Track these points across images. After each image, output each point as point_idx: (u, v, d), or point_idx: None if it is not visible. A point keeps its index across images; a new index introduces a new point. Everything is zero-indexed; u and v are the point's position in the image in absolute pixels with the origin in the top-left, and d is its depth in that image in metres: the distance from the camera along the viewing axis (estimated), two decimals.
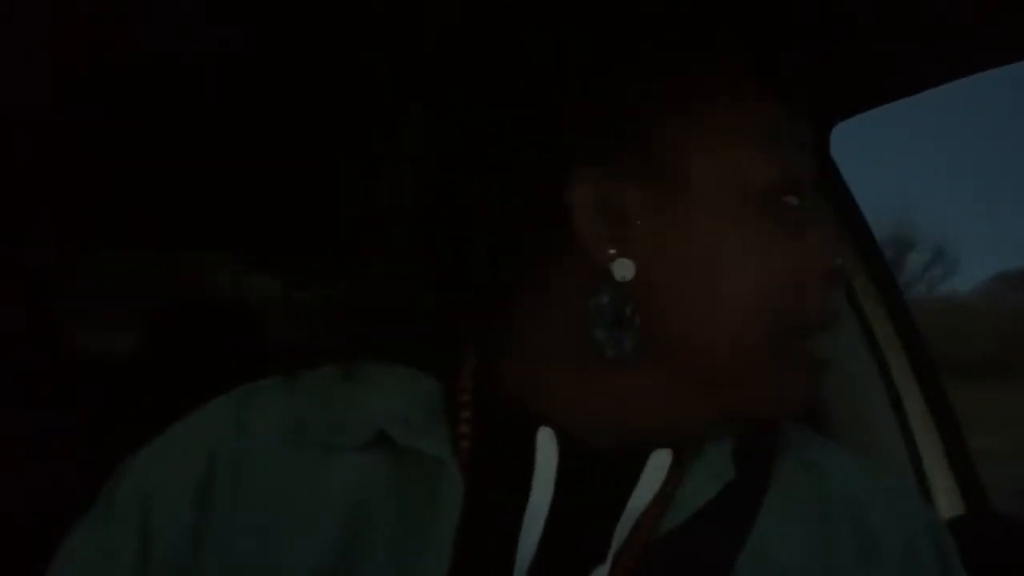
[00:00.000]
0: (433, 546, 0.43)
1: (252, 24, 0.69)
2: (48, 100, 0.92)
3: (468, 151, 0.47)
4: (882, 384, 0.91)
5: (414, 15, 0.58)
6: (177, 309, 1.76)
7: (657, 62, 0.46)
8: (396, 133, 0.49)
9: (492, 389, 0.49)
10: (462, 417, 0.48)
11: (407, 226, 0.49)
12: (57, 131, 1.03)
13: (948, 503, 0.88)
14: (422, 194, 0.48)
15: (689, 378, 0.46)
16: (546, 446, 0.46)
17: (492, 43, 0.48)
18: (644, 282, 0.44)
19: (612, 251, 0.44)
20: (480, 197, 0.47)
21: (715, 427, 0.48)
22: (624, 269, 0.44)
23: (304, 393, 0.49)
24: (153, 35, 0.72)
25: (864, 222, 0.95)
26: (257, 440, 0.47)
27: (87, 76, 0.84)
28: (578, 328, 0.45)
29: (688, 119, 0.45)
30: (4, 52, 0.76)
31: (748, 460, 0.49)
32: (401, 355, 0.50)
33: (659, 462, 0.47)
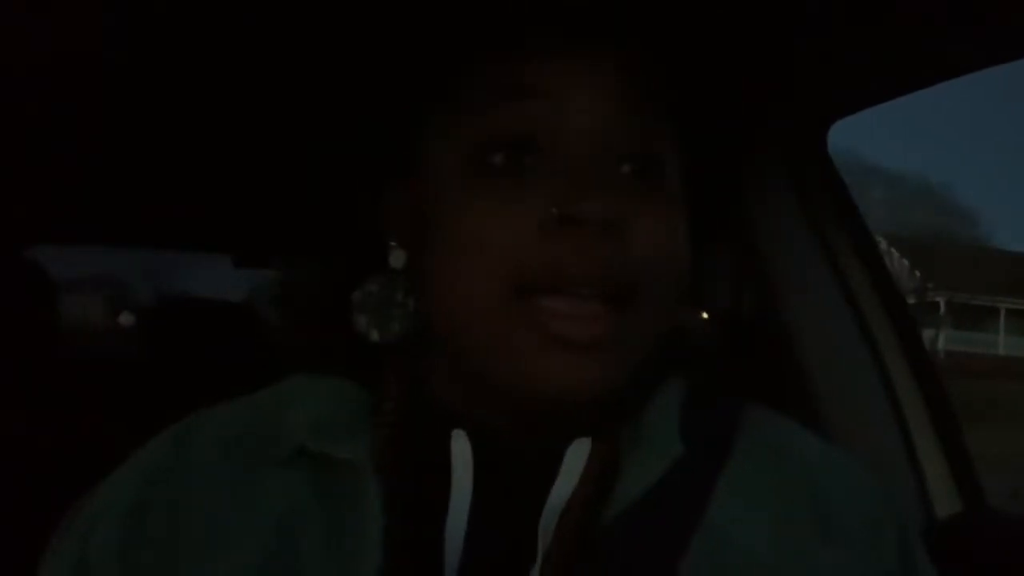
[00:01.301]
0: (361, 553, 0.43)
1: (251, 24, 0.69)
2: (48, 100, 0.92)
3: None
4: (880, 382, 0.91)
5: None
6: (176, 309, 1.76)
7: (401, 68, 0.49)
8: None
9: (416, 392, 0.49)
10: (384, 421, 0.48)
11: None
12: (57, 131, 1.03)
13: (945, 501, 0.89)
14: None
15: (463, 359, 0.46)
16: (461, 447, 0.47)
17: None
18: (413, 268, 0.48)
19: (392, 243, 0.49)
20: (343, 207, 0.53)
21: (616, 416, 0.47)
22: (396, 259, 0.48)
23: (240, 413, 0.50)
24: (153, 35, 0.72)
25: (861, 220, 0.95)
26: (193, 460, 0.48)
27: (87, 76, 0.84)
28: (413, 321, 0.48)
29: (419, 103, 0.48)
30: (4, 52, 0.76)
31: (699, 436, 0.48)
32: (334, 364, 0.51)
33: (577, 452, 0.47)
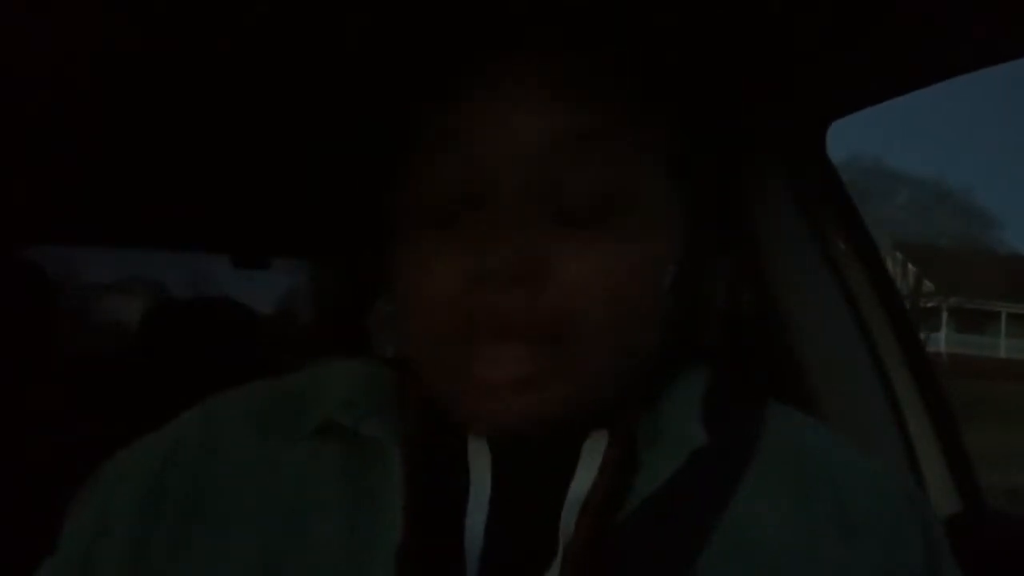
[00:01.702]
0: (380, 529, 0.44)
1: (249, 25, 0.69)
2: (48, 100, 0.92)
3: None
4: (879, 383, 0.91)
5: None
6: (176, 309, 1.76)
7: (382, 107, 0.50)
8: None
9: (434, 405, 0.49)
10: (411, 405, 0.49)
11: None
12: (57, 131, 1.03)
13: (945, 501, 0.89)
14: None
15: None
16: (478, 449, 0.47)
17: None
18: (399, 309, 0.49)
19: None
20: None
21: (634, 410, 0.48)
22: (387, 304, 0.49)
23: (268, 390, 0.52)
24: (152, 35, 0.72)
25: (860, 220, 0.95)
26: (219, 434, 0.49)
27: (86, 75, 0.84)
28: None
29: (394, 154, 0.49)
30: (4, 52, 0.76)
31: (723, 430, 0.48)
32: (361, 347, 0.53)
33: (594, 446, 0.47)
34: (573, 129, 0.45)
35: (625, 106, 0.46)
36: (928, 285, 16.94)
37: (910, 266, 16.51)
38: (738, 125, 0.91)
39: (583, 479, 0.46)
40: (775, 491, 0.47)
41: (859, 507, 0.48)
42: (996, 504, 0.95)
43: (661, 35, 0.52)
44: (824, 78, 0.79)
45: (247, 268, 2.02)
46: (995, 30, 0.66)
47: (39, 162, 1.15)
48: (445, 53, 0.47)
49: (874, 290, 0.93)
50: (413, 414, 0.49)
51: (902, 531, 0.48)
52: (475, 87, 0.45)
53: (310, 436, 0.48)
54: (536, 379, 0.43)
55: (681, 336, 0.50)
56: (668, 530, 0.45)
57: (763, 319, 0.95)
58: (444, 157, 0.45)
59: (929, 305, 16.94)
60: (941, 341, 16.80)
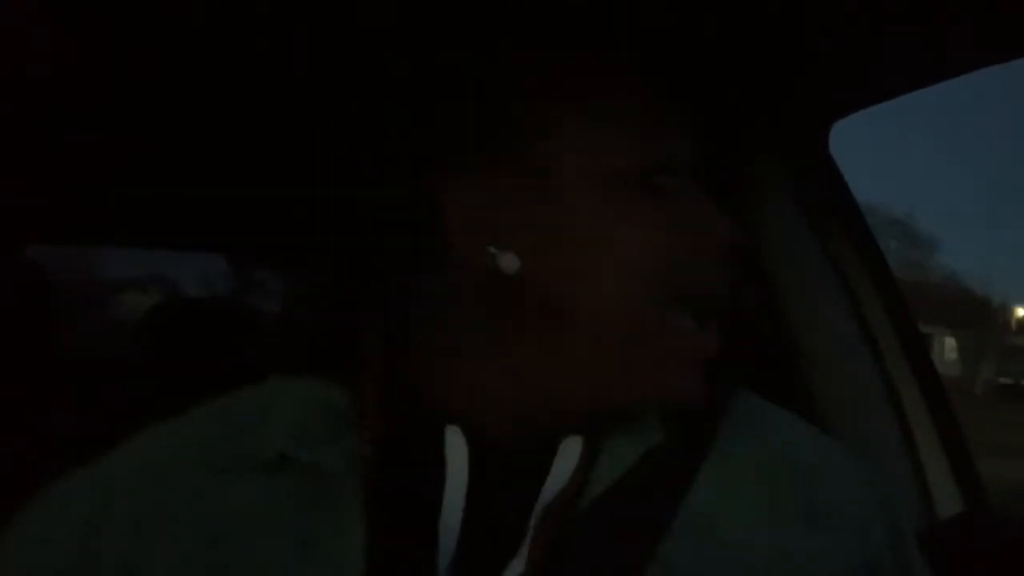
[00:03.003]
0: (340, 561, 0.43)
1: (250, 27, 0.69)
2: (48, 100, 0.92)
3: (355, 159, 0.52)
4: (881, 383, 0.91)
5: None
6: (176, 309, 1.76)
7: (518, 61, 0.49)
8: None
9: (399, 390, 0.49)
10: (367, 423, 0.48)
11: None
12: (57, 131, 1.03)
13: (947, 502, 0.88)
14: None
15: (575, 359, 0.47)
16: (455, 444, 0.47)
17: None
18: (530, 271, 0.46)
19: (492, 249, 0.46)
20: (369, 199, 0.51)
21: (611, 413, 0.48)
22: (510, 263, 0.46)
23: (211, 419, 0.50)
24: (151, 36, 0.72)
25: (863, 221, 0.95)
26: (161, 468, 0.47)
27: (87, 75, 0.84)
28: (471, 323, 0.48)
29: (549, 112, 0.48)
30: (4, 52, 0.76)
31: (679, 423, 0.49)
32: (313, 364, 0.51)
33: (570, 450, 0.48)
34: (693, 126, 0.51)
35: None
36: None
37: None
38: (733, 126, 0.91)
39: (556, 481, 0.47)
40: (739, 480, 0.48)
41: (826, 499, 0.48)
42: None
43: (671, 39, 0.54)
44: (826, 78, 0.79)
45: (248, 268, 2.02)
46: (995, 30, 0.66)
47: (39, 162, 1.15)
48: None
49: (876, 290, 0.93)
50: (369, 429, 0.48)
51: (869, 523, 0.49)
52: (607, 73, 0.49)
53: (261, 468, 0.46)
54: (710, 357, 0.47)
55: None
56: (625, 523, 0.45)
57: (764, 319, 0.95)
58: (643, 129, 0.48)
59: None
60: None
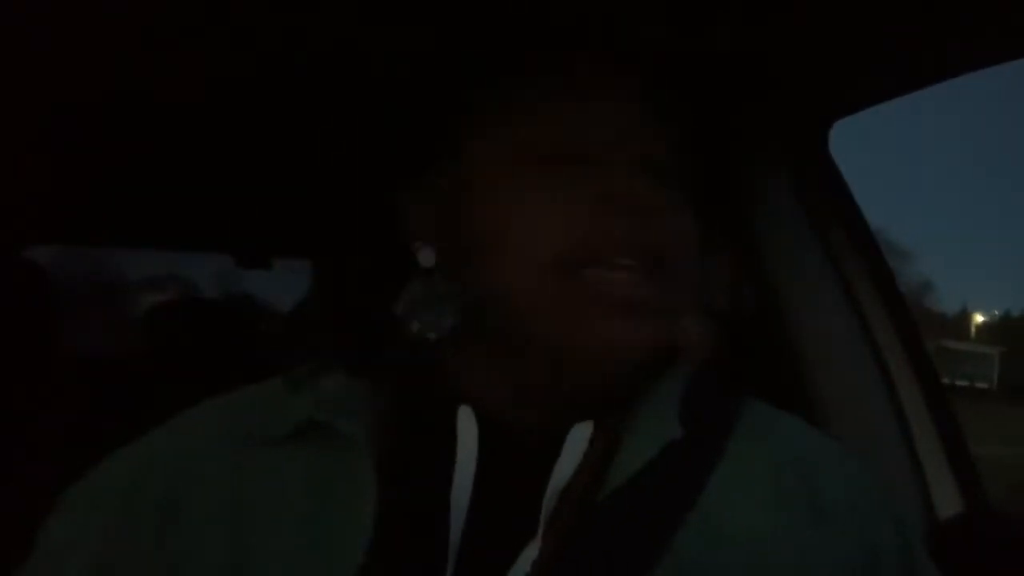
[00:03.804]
0: (349, 527, 0.45)
1: (251, 30, 0.69)
2: (48, 100, 0.92)
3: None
4: (881, 383, 0.91)
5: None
6: (176, 309, 1.76)
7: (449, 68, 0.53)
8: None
9: (414, 372, 0.52)
10: (386, 399, 0.51)
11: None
12: (57, 131, 1.03)
13: (947, 501, 0.88)
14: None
15: (514, 337, 0.48)
16: (466, 424, 0.49)
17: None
18: (448, 261, 0.50)
19: (417, 243, 0.51)
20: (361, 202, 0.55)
21: (595, 391, 0.49)
22: (426, 258, 0.51)
23: (241, 398, 0.53)
24: (152, 37, 0.72)
25: (863, 221, 0.95)
26: (187, 447, 0.50)
27: (87, 75, 0.84)
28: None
29: (467, 109, 0.51)
30: (4, 52, 0.76)
31: (698, 422, 0.50)
32: (334, 345, 0.54)
33: (579, 435, 0.49)
34: (645, 107, 0.51)
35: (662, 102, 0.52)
36: None
37: None
38: (733, 126, 0.91)
39: (567, 464, 0.48)
40: (749, 479, 0.50)
41: (830, 493, 0.50)
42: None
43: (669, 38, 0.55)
44: (826, 78, 0.79)
45: (250, 268, 2.02)
46: (995, 30, 0.66)
47: (42, 162, 1.15)
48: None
49: (876, 290, 0.93)
50: (387, 404, 0.50)
51: (872, 516, 0.51)
52: (576, 61, 0.51)
53: (285, 439, 0.49)
54: (649, 304, 0.47)
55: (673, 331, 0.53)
56: (642, 515, 0.47)
57: (764, 319, 0.95)
58: (559, 107, 0.50)
59: None
60: None
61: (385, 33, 0.63)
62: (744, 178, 0.94)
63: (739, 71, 0.75)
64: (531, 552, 0.46)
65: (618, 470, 0.48)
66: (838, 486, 0.51)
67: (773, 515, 0.49)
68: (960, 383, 20.91)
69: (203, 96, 0.90)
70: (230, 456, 0.49)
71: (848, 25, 0.66)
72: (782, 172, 0.93)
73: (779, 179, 0.93)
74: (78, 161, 1.17)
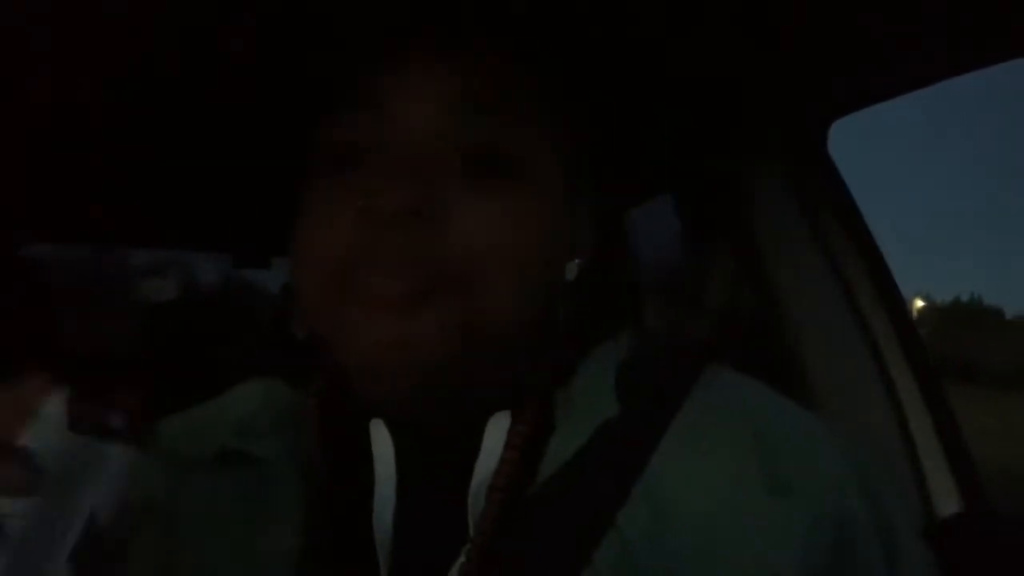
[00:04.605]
0: (275, 553, 0.44)
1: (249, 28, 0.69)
2: (48, 100, 0.92)
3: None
4: (880, 383, 0.91)
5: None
6: (176, 308, 1.76)
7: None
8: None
9: (336, 387, 0.50)
10: (310, 418, 0.50)
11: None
12: (57, 131, 1.03)
13: (946, 501, 0.89)
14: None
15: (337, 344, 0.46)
16: (380, 436, 0.47)
17: None
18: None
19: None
20: None
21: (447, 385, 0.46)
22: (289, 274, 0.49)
23: (179, 420, 0.52)
24: (152, 37, 0.72)
25: (861, 220, 0.95)
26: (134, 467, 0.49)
27: (87, 75, 0.84)
28: None
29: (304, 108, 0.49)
30: (4, 52, 0.76)
31: (641, 395, 0.48)
32: (274, 367, 0.53)
33: (497, 428, 0.47)
34: (471, 88, 0.46)
35: (523, 80, 0.47)
36: None
37: None
38: (732, 125, 0.91)
39: (488, 459, 0.46)
40: (700, 448, 0.46)
41: (791, 464, 0.46)
42: None
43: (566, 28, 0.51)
44: (825, 78, 0.79)
45: (248, 268, 2.02)
46: (995, 30, 0.66)
47: (38, 162, 1.15)
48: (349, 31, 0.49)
49: (875, 290, 0.93)
50: (309, 423, 0.49)
51: (840, 489, 0.46)
52: (379, 53, 0.47)
53: (211, 462, 0.48)
54: (420, 301, 0.42)
55: (597, 313, 0.52)
56: (581, 495, 0.44)
57: (763, 319, 0.95)
58: (350, 111, 0.46)
59: None
60: None
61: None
62: (743, 177, 0.94)
63: (737, 71, 0.75)
64: (464, 559, 0.44)
65: (550, 458, 0.46)
66: (801, 457, 0.47)
67: (727, 488, 0.45)
68: None
69: (202, 96, 0.90)
70: (164, 478, 0.48)
71: (847, 25, 0.66)
72: (780, 171, 0.93)
73: (777, 178, 0.93)
74: (78, 161, 1.17)
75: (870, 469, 0.49)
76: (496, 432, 0.47)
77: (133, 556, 0.45)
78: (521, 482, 0.45)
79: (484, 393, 0.47)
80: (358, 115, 0.46)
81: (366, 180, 0.44)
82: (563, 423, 0.47)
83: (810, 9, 0.64)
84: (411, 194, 0.42)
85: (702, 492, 0.45)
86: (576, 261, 0.49)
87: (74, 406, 0.38)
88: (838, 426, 0.88)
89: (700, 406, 0.48)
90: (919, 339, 0.95)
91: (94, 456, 0.38)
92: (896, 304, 0.94)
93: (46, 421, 0.38)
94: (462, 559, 0.44)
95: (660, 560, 0.43)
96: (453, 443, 0.47)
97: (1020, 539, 0.85)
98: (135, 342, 1.73)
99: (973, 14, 0.64)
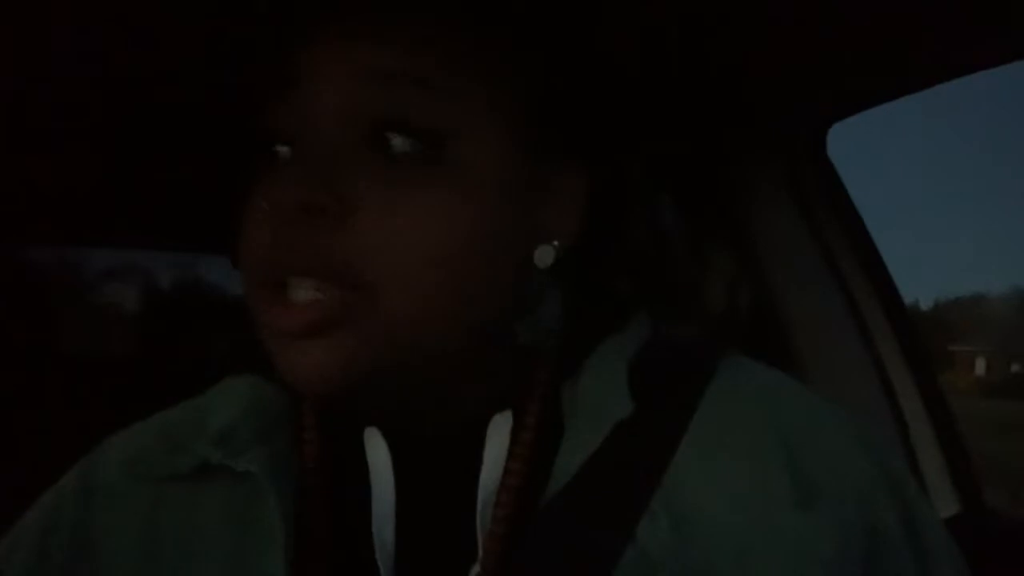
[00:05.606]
0: (266, 567, 0.41)
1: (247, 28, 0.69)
2: (48, 100, 0.92)
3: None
4: (878, 383, 0.91)
5: None
6: (176, 308, 1.76)
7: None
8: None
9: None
10: (305, 424, 0.46)
11: None
12: (57, 131, 1.03)
13: (944, 503, 0.89)
14: None
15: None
16: (376, 445, 0.44)
17: None
18: None
19: None
20: None
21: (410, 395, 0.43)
22: None
23: (148, 429, 0.49)
24: (152, 37, 0.72)
25: (860, 221, 0.95)
26: (100, 485, 0.47)
27: (87, 75, 0.84)
28: None
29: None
30: (4, 52, 0.76)
31: (655, 392, 0.43)
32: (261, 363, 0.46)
33: (499, 431, 0.44)
34: (385, 59, 0.40)
35: (460, 58, 0.41)
36: None
37: None
38: (732, 127, 0.91)
39: (492, 467, 0.43)
40: (722, 454, 0.42)
41: (818, 471, 0.42)
42: None
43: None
44: (825, 80, 0.79)
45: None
46: (995, 31, 0.66)
47: (42, 162, 1.15)
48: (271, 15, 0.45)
49: (874, 291, 0.93)
50: (303, 431, 0.46)
51: (869, 488, 0.43)
52: (298, 40, 0.42)
53: (190, 477, 0.45)
54: (328, 327, 0.38)
55: (598, 300, 0.47)
56: (597, 506, 0.41)
57: (762, 320, 0.95)
58: (275, 96, 0.42)
59: None
60: None
61: None
62: (742, 178, 0.94)
63: (737, 73, 0.75)
64: (476, 569, 0.41)
65: (560, 467, 0.42)
66: (829, 460, 0.43)
67: (751, 497, 0.41)
68: None
69: (201, 95, 0.90)
70: (146, 491, 0.45)
71: (845, 27, 0.66)
72: (780, 173, 0.93)
73: (777, 180, 0.93)
74: (78, 161, 1.17)
75: (896, 468, 0.46)
76: (498, 437, 0.43)
77: None
78: (529, 494, 0.42)
79: (469, 393, 0.43)
80: (280, 100, 0.42)
81: (279, 172, 0.40)
82: (572, 425, 0.43)
83: (809, 11, 0.64)
84: (309, 188, 0.38)
85: (726, 502, 0.41)
86: (553, 244, 0.43)
87: None
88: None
89: (719, 404, 0.44)
90: (917, 339, 0.95)
91: None
92: (894, 306, 0.94)
93: None
94: None
95: None
96: (453, 449, 0.44)
97: (1019, 541, 0.85)
98: (125, 340, 1.72)
99: (974, 15, 0.63)
